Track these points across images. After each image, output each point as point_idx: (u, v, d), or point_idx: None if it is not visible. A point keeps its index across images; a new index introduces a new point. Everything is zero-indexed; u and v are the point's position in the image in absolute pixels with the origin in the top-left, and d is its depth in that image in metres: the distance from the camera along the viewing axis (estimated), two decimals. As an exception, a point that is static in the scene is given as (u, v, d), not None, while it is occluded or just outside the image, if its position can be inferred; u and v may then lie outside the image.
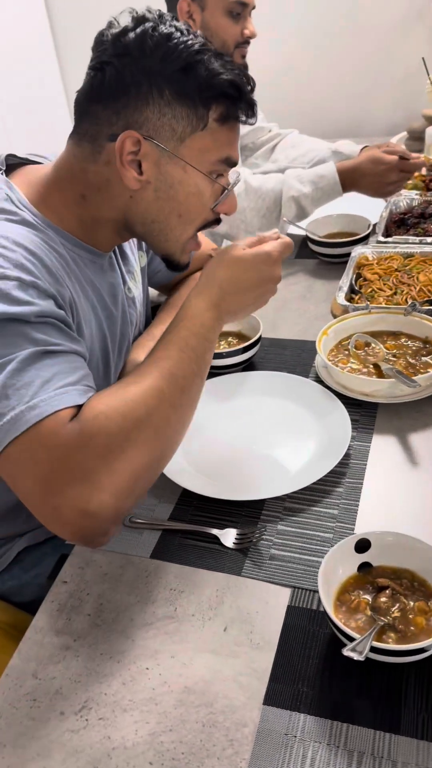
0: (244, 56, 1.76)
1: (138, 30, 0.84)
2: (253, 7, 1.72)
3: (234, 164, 0.93)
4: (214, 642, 0.76)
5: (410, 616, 0.72)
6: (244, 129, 2.13)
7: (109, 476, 0.74)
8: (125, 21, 0.86)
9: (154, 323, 1.23)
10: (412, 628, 0.71)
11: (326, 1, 2.36)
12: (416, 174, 1.70)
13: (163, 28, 0.84)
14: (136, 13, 0.87)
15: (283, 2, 2.36)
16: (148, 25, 0.84)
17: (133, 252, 1.14)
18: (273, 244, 0.94)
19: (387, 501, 0.92)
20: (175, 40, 0.84)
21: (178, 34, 0.85)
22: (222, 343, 1.25)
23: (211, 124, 0.87)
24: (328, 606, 0.71)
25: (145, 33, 0.84)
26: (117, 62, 0.84)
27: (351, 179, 1.54)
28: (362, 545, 0.77)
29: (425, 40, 2.19)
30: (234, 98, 0.87)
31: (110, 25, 0.87)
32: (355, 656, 0.63)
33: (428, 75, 1.89)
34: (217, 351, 1.13)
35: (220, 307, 0.89)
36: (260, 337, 1.22)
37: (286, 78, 2.49)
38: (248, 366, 1.24)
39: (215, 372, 1.19)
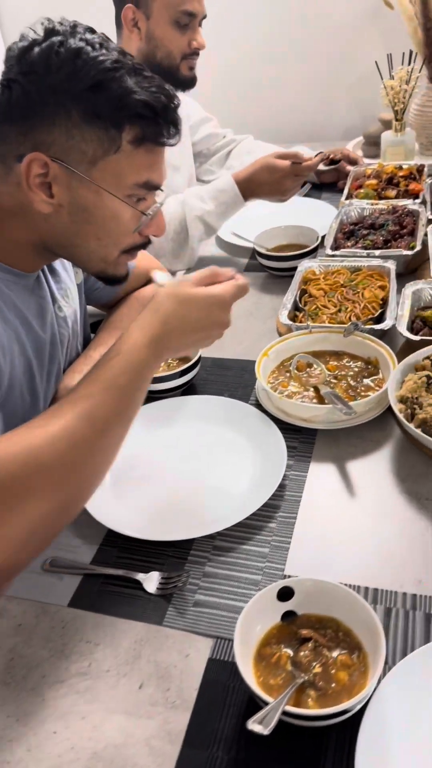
0: (192, 68, 1.69)
1: (44, 45, 0.79)
2: (204, 17, 1.66)
3: (156, 188, 0.88)
4: (128, 701, 0.71)
5: (332, 671, 0.68)
6: (198, 135, 2.08)
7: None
8: (41, 32, 0.81)
9: (92, 345, 1.18)
10: (333, 684, 0.67)
11: (279, 5, 2.31)
12: (368, 183, 1.66)
13: (72, 43, 0.79)
14: (50, 23, 0.82)
15: (235, 7, 2.31)
16: (56, 39, 0.79)
17: (66, 268, 1.09)
18: (227, 286, 0.85)
19: (320, 538, 0.88)
20: (84, 56, 0.78)
21: (89, 48, 0.79)
22: (161, 365, 1.20)
23: (126, 147, 0.82)
24: (245, 668, 0.66)
25: (51, 48, 0.78)
26: (23, 80, 0.79)
27: (249, 189, 1.52)
28: (285, 593, 0.73)
29: (380, 43, 2.16)
30: (149, 119, 0.82)
31: (22, 37, 0.81)
32: (259, 729, 0.58)
33: (382, 79, 1.85)
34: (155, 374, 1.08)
35: (161, 343, 0.81)
36: (200, 358, 1.17)
37: (240, 83, 2.44)
38: (189, 389, 1.19)
39: (154, 396, 1.14)
